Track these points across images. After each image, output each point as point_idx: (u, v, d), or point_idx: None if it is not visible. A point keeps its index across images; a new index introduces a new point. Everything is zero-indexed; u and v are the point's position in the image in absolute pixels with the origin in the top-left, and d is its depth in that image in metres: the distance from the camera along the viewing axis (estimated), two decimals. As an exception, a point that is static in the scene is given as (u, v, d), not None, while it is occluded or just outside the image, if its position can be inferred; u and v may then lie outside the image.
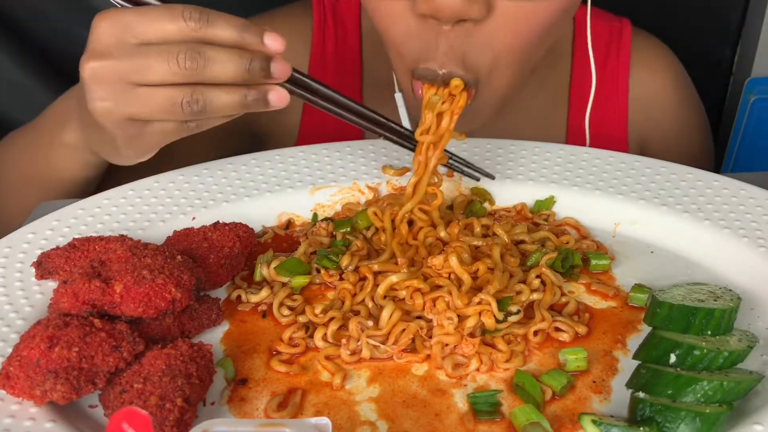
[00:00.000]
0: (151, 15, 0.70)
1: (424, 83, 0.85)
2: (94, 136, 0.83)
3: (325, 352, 0.69)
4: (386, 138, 0.83)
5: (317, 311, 0.73)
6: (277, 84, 0.74)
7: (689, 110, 1.20)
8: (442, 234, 0.80)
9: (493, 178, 0.90)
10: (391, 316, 0.70)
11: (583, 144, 1.11)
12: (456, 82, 0.81)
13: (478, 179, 0.90)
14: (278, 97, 0.74)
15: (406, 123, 1.05)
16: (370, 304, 0.73)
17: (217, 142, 1.07)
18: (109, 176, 0.99)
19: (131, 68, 0.70)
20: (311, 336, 0.71)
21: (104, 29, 0.71)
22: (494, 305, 0.70)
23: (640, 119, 1.15)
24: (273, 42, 0.72)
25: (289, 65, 0.74)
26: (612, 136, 1.14)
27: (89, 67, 0.71)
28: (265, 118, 1.13)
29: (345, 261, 0.78)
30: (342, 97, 0.82)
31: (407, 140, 0.87)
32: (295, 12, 1.17)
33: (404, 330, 0.70)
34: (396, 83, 1.02)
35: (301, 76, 0.79)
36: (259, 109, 0.74)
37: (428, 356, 0.69)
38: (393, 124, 0.85)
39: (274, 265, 0.78)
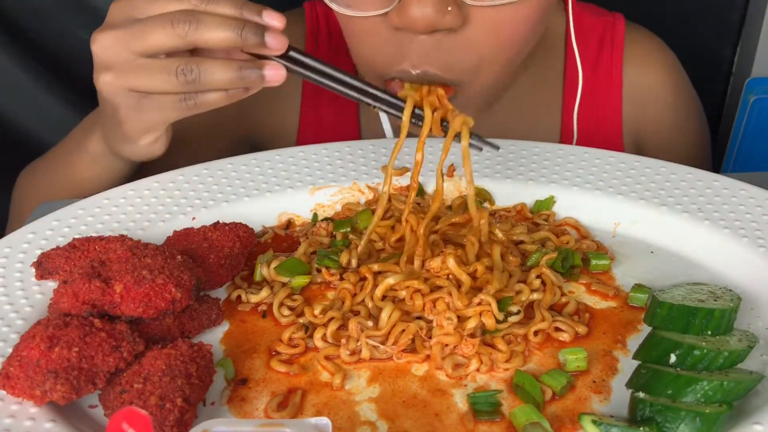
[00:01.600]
0: None
1: (402, 81, 0.85)
2: (104, 118, 0.87)
3: (325, 353, 0.69)
4: (382, 110, 0.81)
5: (316, 312, 0.73)
6: (273, 61, 0.75)
7: (685, 101, 1.19)
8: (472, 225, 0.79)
9: (497, 148, 0.83)
10: (390, 317, 0.70)
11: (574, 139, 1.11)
12: (440, 91, 0.81)
13: (480, 149, 0.82)
14: (274, 73, 0.75)
15: (389, 137, 1.06)
16: (370, 305, 0.73)
17: (216, 145, 1.07)
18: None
19: (131, 35, 0.75)
20: (311, 336, 0.71)
21: (116, 10, 0.79)
22: (494, 305, 0.70)
23: (634, 113, 1.14)
24: (271, 19, 0.75)
25: (286, 38, 0.75)
26: (606, 130, 1.13)
27: (97, 39, 0.78)
28: (264, 121, 1.13)
29: (344, 258, 0.78)
30: (339, 72, 0.79)
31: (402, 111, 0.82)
32: (288, 20, 1.17)
33: (404, 330, 0.70)
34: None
35: (298, 54, 0.78)
36: (255, 86, 0.76)
37: (428, 356, 0.69)
38: (389, 97, 0.81)
39: (274, 265, 0.78)
